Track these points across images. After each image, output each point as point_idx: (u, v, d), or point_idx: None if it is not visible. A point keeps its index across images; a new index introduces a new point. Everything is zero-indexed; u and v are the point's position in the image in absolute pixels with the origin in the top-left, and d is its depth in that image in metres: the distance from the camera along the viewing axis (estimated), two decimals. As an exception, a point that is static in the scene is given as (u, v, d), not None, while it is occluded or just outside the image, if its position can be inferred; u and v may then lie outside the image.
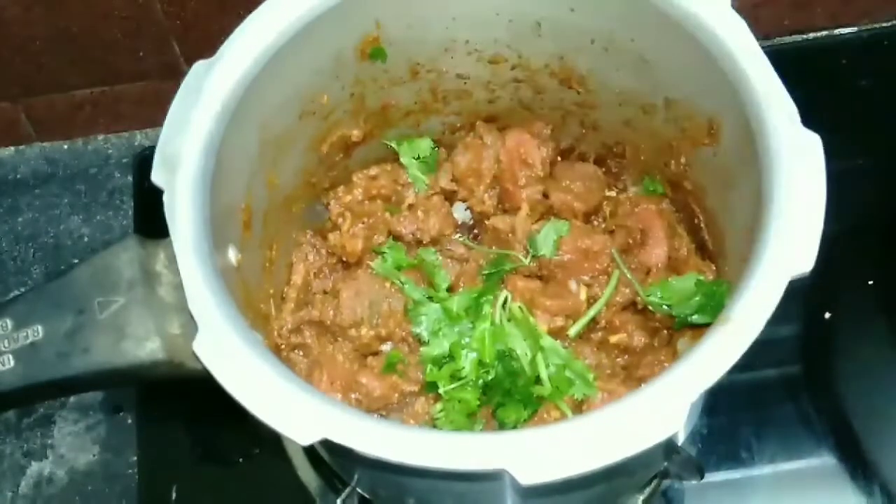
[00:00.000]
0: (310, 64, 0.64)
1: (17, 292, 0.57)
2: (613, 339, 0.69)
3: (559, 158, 0.77)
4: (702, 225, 0.68)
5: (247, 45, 0.59)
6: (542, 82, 0.72)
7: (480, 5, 0.66)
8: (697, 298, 0.64)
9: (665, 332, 0.68)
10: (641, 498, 0.70)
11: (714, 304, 0.62)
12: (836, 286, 0.79)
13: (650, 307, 0.67)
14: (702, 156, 0.65)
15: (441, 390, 0.65)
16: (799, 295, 0.49)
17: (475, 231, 0.76)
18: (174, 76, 0.92)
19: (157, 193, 0.54)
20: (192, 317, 0.50)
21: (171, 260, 0.52)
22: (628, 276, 0.68)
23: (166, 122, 0.56)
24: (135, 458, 0.81)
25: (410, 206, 0.73)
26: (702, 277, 0.65)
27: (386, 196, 0.74)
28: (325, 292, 0.72)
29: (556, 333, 0.68)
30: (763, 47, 0.56)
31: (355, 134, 0.72)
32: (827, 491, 0.74)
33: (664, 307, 0.66)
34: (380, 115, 0.72)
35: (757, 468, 0.74)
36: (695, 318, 0.64)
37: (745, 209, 0.57)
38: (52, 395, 0.73)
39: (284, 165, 0.67)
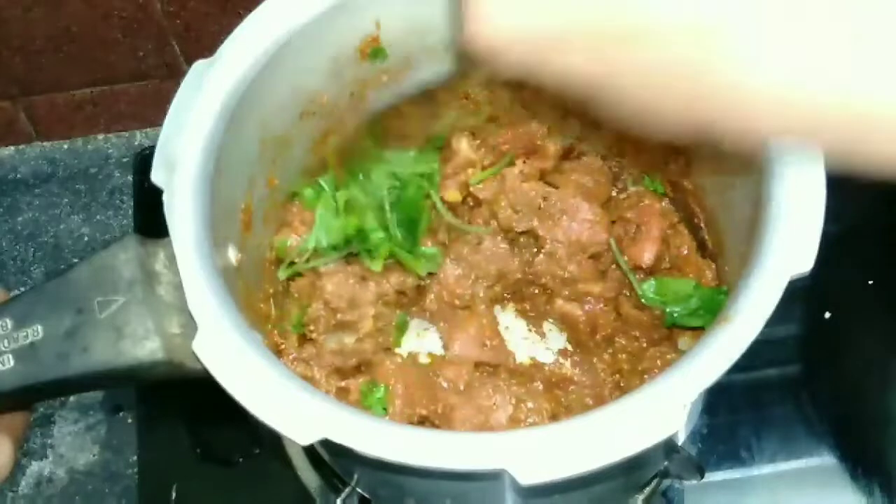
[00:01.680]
0: (310, 64, 0.64)
1: (17, 292, 0.56)
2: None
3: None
4: (702, 225, 0.68)
5: (247, 45, 0.59)
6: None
7: (480, 5, 0.66)
8: (694, 301, 0.64)
9: (664, 328, 0.68)
10: (641, 498, 0.70)
11: (711, 309, 0.62)
12: (836, 286, 0.79)
13: (644, 300, 0.67)
14: (702, 156, 0.65)
15: None
16: (799, 295, 0.49)
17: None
18: (174, 76, 0.92)
19: (157, 193, 0.54)
20: (191, 317, 0.50)
21: (171, 259, 0.52)
22: (623, 265, 0.68)
23: (166, 122, 0.56)
24: (135, 458, 0.80)
25: None
26: (701, 283, 0.65)
27: None
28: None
29: None
30: (763, 47, 0.56)
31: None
32: (827, 491, 0.74)
33: (658, 302, 0.66)
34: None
35: (757, 468, 0.74)
36: (688, 320, 0.64)
37: (744, 209, 0.57)
38: (52, 395, 0.73)
39: (284, 165, 0.67)
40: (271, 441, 0.75)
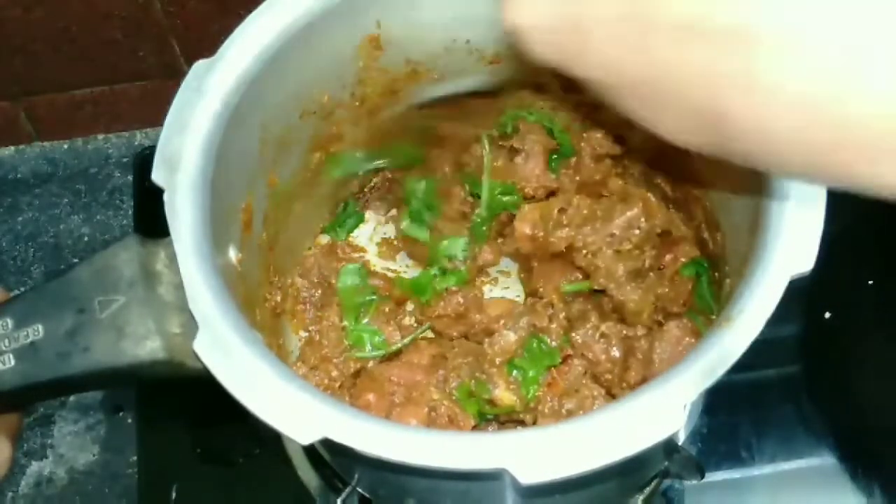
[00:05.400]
0: (310, 64, 0.64)
1: (17, 292, 0.56)
2: None
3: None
4: (702, 224, 0.68)
5: (247, 45, 0.59)
6: (543, 82, 0.72)
7: (480, 5, 0.66)
8: None
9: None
10: (641, 498, 0.70)
11: None
12: (836, 286, 0.79)
13: None
14: (702, 155, 0.65)
15: None
16: (799, 295, 0.49)
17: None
18: (174, 76, 0.92)
19: (157, 193, 0.54)
20: (192, 316, 0.50)
21: (172, 259, 0.52)
22: None
23: (166, 122, 0.56)
24: (135, 458, 0.81)
25: None
26: None
27: None
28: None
29: None
30: (763, 47, 0.56)
31: (355, 134, 0.72)
32: (827, 491, 0.74)
33: None
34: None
35: (757, 468, 0.74)
36: None
37: (745, 209, 0.57)
38: (53, 395, 0.73)
39: (285, 165, 0.67)
40: (271, 441, 0.75)
